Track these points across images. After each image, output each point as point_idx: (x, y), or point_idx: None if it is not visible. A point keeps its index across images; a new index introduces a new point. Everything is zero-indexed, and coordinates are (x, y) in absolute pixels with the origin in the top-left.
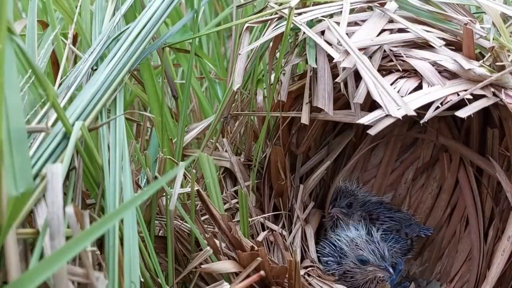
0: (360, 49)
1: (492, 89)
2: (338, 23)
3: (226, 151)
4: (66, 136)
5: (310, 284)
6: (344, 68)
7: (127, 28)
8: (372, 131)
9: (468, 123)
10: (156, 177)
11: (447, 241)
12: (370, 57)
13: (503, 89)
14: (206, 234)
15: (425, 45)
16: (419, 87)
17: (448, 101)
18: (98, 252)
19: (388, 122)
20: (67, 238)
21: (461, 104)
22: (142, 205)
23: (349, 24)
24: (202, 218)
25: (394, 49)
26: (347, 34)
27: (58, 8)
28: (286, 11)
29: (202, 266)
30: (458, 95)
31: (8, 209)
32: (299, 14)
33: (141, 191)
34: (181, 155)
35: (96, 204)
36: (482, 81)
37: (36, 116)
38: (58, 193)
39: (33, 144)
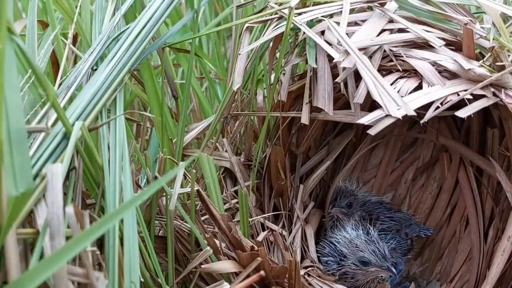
0: (360, 49)
1: (492, 89)
2: (338, 23)
3: (226, 151)
4: (66, 136)
5: (310, 284)
6: (344, 68)
7: (127, 28)
8: (372, 131)
9: (468, 123)
10: (156, 177)
11: (447, 241)
12: (370, 57)
13: (503, 89)
14: (206, 234)
15: (425, 45)
16: (419, 87)
17: (448, 101)
18: (98, 252)
19: (388, 122)
20: (67, 238)
21: (461, 104)
22: (142, 205)
23: (349, 24)
24: (202, 218)
25: (394, 49)
26: (347, 34)
27: (58, 8)
28: (286, 11)
29: (202, 266)
30: (458, 95)
31: (8, 209)
32: (299, 14)
33: (141, 191)
34: (181, 155)
35: (96, 204)
36: (482, 81)
37: (36, 116)
38: (58, 193)
39: (33, 144)
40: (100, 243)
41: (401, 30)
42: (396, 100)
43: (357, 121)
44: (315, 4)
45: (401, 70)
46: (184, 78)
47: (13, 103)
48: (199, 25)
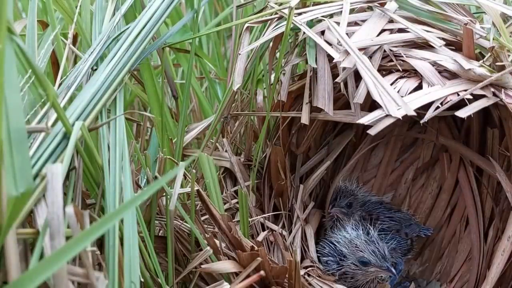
0: (360, 49)
1: (492, 89)
2: (338, 23)
3: (226, 151)
4: (66, 136)
5: (310, 284)
6: (344, 68)
7: (127, 28)
8: (372, 131)
9: (468, 123)
10: (156, 177)
11: (447, 241)
12: (370, 57)
13: (503, 89)
14: (206, 234)
15: (425, 45)
16: (419, 87)
17: (448, 101)
18: (98, 252)
19: (388, 122)
20: (67, 238)
21: (461, 104)
22: (142, 205)
23: (349, 24)
24: (202, 218)
25: (394, 49)
26: (347, 34)
27: (58, 8)
28: (286, 11)
29: (202, 266)
30: (458, 95)
31: (8, 209)
32: (299, 14)
33: (141, 191)
34: (181, 155)
35: (96, 204)
36: (482, 81)
37: (36, 116)
38: (58, 193)
39: (33, 144)
40: (100, 243)
41: (401, 30)
42: (396, 100)
43: (357, 121)
44: (315, 4)
45: (401, 70)
46: (184, 78)
47: (13, 103)
48: (199, 25)
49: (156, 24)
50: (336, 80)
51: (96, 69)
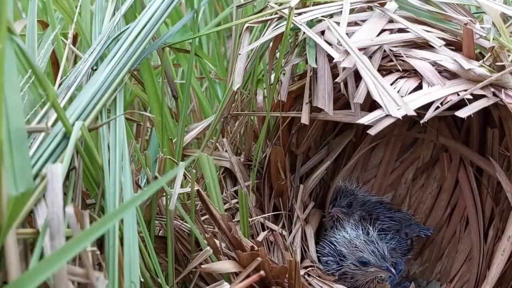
0: (360, 49)
1: (492, 89)
2: (338, 23)
3: (226, 151)
4: (66, 136)
5: (310, 284)
6: (344, 68)
7: (127, 28)
8: (372, 131)
9: (468, 123)
10: (156, 177)
11: (447, 241)
12: (370, 57)
13: (503, 89)
14: (206, 234)
15: (425, 45)
16: (419, 87)
17: (448, 101)
18: (98, 252)
19: (388, 122)
20: (67, 238)
21: (461, 104)
22: (142, 205)
23: (349, 24)
24: (202, 218)
25: (394, 49)
26: (347, 34)
27: (58, 8)
28: (286, 11)
29: (202, 266)
30: (458, 95)
31: (8, 209)
32: (299, 14)
33: (141, 191)
34: (181, 155)
35: (96, 204)
36: (482, 81)
37: (36, 116)
38: (58, 193)
39: (33, 144)
40: (100, 243)
41: (401, 30)
42: (396, 100)
43: (357, 121)
44: (315, 4)
45: (401, 70)
46: (184, 78)
47: (13, 103)
48: (199, 25)
49: (156, 24)
50: (336, 80)
51: (96, 69)
